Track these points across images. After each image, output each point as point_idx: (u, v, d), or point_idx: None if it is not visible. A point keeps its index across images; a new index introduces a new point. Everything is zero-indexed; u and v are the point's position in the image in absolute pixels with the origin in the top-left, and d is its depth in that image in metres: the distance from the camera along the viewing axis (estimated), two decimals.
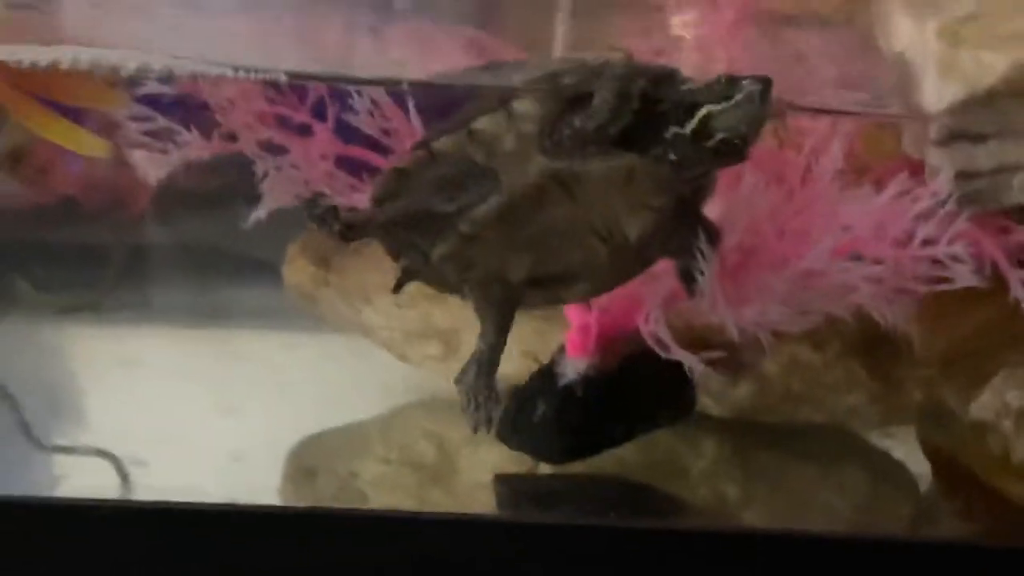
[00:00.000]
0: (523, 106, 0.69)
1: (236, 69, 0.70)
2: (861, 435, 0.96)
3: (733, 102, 0.67)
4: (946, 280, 0.75)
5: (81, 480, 0.86)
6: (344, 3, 0.88)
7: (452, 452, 0.93)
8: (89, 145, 0.77)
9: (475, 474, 0.91)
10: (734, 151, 0.68)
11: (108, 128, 0.81)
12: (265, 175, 0.83)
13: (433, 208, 0.72)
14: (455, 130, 0.71)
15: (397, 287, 0.77)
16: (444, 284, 0.76)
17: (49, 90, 0.76)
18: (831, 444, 0.95)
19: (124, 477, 0.87)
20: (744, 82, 0.67)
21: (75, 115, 0.80)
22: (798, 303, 0.77)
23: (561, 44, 0.88)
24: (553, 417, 0.84)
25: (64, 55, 0.70)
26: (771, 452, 0.94)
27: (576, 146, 0.68)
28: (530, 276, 0.73)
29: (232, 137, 0.81)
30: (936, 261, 0.74)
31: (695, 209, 0.74)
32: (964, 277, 0.75)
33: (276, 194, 0.83)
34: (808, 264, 0.76)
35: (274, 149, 0.83)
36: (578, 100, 0.69)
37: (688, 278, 0.75)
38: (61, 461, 0.91)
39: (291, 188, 0.83)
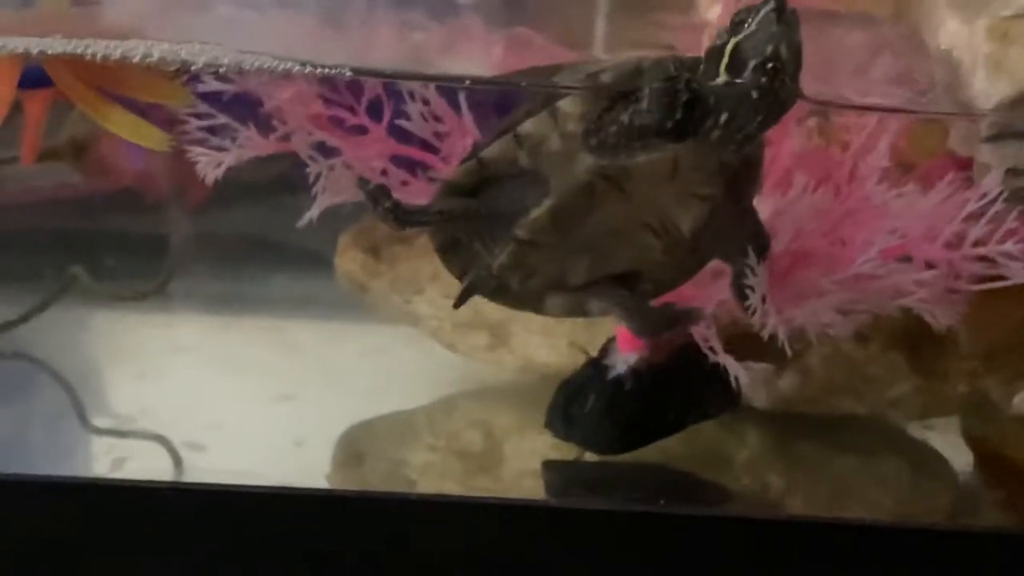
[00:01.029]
0: (567, 106, 0.70)
1: (304, 64, 0.72)
2: (902, 426, 0.97)
3: (752, 26, 0.66)
4: (1000, 278, 0.76)
5: (138, 464, 0.88)
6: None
7: (499, 440, 0.95)
8: (152, 138, 0.79)
9: (522, 462, 0.92)
10: (773, 76, 0.66)
11: (169, 123, 0.83)
12: (319, 176, 0.84)
13: (488, 208, 0.73)
14: (502, 136, 0.72)
15: (459, 302, 0.78)
16: (507, 298, 0.77)
17: (114, 84, 0.78)
18: (872, 435, 0.96)
19: (178, 462, 0.89)
20: (760, 7, 0.67)
21: (137, 109, 0.81)
22: (848, 306, 0.78)
23: (601, 41, 0.90)
24: (603, 409, 0.85)
25: (136, 49, 0.72)
26: (813, 443, 0.95)
27: (621, 142, 0.69)
28: (589, 278, 0.74)
29: (287, 137, 0.82)
30: (987, 259, 0.75)
31: (746, 205, 0.74)
32: (1019, 274, 0.76)
33: (330, 193, 0.85)
34: (858, 269, 0.77)
35: (328, 149, 0.84)
36: (622, 96, 0.69)
37: (741, 294, 0.75)
38: (118, 445, 0.93)
39: (345, 187, 0.84)
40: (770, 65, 0.66)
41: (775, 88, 0.67)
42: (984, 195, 0.76)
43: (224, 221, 1.09)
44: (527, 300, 0.77)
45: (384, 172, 0.86)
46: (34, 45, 0.72)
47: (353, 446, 0.95)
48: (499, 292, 0.77)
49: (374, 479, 0.93)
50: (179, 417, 0.93)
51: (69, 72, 0.76)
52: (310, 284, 1.12)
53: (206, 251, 1.12)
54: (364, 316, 1.07)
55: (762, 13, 0.66)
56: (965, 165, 0.82)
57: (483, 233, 0.74)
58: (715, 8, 0.88)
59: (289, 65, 0.72)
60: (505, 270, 0.74)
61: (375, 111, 0.85)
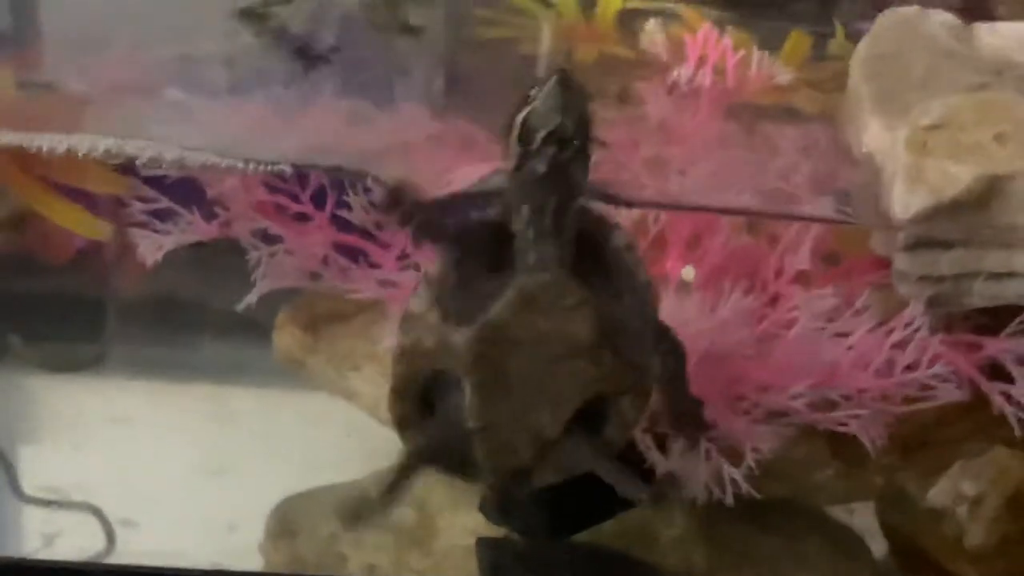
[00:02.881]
0: (414, 304, 0.71)
1: (246, 162, 0.73)
2: (824, 510, 0.99)
3: (538, 98, 0.66)
4: (928, 399, 0.80)
5: (70, 540, 0.88)
6: (342, 87, 0.91)
7: (432, 515, 0.96)
8: (90, 227, 0.80)
9: (454, 537, 0.93)
10: (560, 147, 0.66)
11: (112, 206, 0.84)
12: (259, 263, 0.86)
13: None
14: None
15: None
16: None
17: (55, 172, 0.79)
18: (796, 517, 0.98)
19: (111, 539, 0.89)
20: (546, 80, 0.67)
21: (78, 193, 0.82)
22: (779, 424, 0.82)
23: None
24: (538, 497, 0.86)
25: (81, 143, 0.73)
26: (739, 524, 0.96)
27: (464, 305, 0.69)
28: (560, 423, 0.73)
29: (229, 224, 0.84)
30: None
31: (637, 303, 0.72)
32: (949, 393, 0.80)
33: (271, 279, 0.86)
34: (789, 401, 0.81)
35: (270, 234, 0.86)
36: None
37: (680, 427, 0.77)
38: (50, 519, 0.93)
39: (286, 273, 0.85)
40: (556, 137, 0.66)
41: (563, 160, 0.67)
42: (909, 323, 0.80)
43: (164, 288, 1.09)
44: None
45: (325, 260, 0.88)
46: None
47: (287, 519, 0.95)
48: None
49: (307, 553, 0.93)
50: (113, 491, 0.94)
51: (10, 161, 0.76)
52: (248, 351, 1.13)
53: (145, 318, 1.12)
54: (301, 384, 1.08)
55: (548, 86, 0.66)
56: (884, 265, 0.85)
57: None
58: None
59: (231, 162, 0.74)
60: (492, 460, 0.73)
61: (319, 199, 0.87)
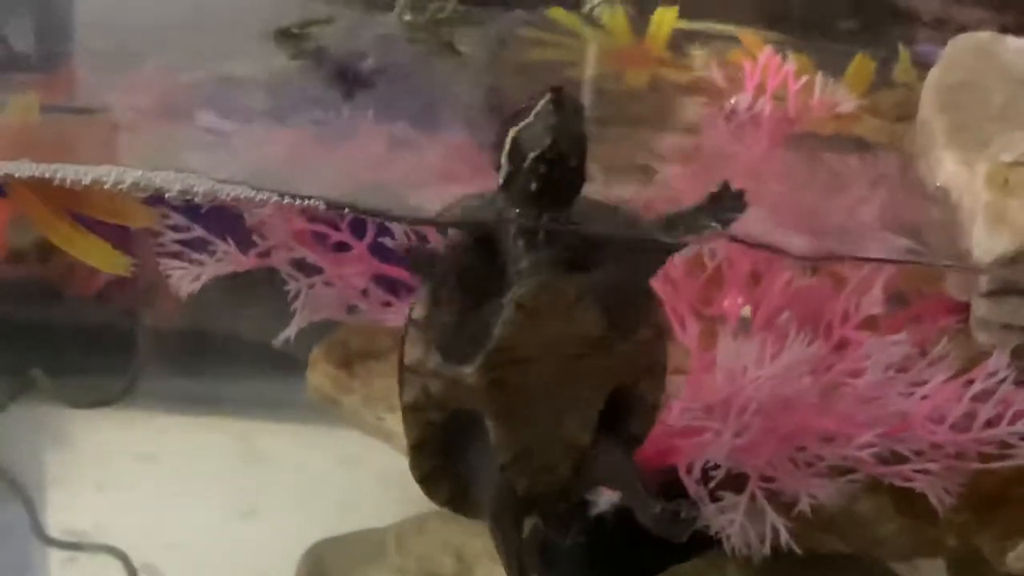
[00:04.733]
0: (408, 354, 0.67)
1: (282, 195, 0.69)
2: (887, 566, 0.94)
3: (530, 117, 0.64)
4: (1006, 457, 0.74)
5: None
6: (384, 112, 0.87)
7: (470, 564, 0.92)
8: (111, 262, 0.76)
9: None
10: (550, 167, 0.64)
11: (141, 236, 0.80)
12: (296, 295, 0.82)
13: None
14: None
15: None
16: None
17: (79, 204, 0.75)
18: (856, 574, 0.94)
19: None
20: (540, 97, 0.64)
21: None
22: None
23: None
24: (583, 548, 0.82)
25: (107, 175, 0.69)
26: None
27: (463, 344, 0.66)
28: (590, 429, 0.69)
29: (267, 252, 0.80)
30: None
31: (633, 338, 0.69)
32: None
33: (309, 311, 0.82)
34: (855, 451, 0.76)
35: (308, 265, 0.82)
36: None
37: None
38: (71, 563, 0.90)
39: (324, 305, 0.81)
40: (548, 156, 0.63)
41: (553, 179, 0.64)
42: (991, 374, 0.74)
43: (193, 320, 1.06)
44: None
45: (365, 292, 0.83)
46: (1, 167, 0.69)
47: (319, 565, 0.92)
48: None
49: None
50: (136, 534, 0.90)
51: (30, 192, 0.73)
52: (281, 387, 1.09)
53: (173, 351, 1.09)
54: (336, 423, 1.04)
55: (540, 105, 0.63)
56: (959, 310, 0.80)
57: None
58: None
59: (265, 196, 0.69)
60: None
61: (358, 228, 0.83)
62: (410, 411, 0.69)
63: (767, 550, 0.80)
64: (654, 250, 0.69)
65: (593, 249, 0.67)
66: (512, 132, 0.64)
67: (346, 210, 0.73)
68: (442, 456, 0.70)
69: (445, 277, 0.66)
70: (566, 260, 0.66)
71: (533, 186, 0.64)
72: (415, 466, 0.71)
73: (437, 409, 0.68)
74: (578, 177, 0.65)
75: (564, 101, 0.63)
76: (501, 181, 0.66)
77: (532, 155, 0.64)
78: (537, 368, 0.66)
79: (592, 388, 0.68)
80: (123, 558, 0.90)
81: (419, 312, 0.67)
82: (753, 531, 0.81)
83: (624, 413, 0.70)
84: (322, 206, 0.70)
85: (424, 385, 0.67)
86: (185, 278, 0.81)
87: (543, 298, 0.65)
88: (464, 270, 0.66)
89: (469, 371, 0.66)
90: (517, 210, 0.65)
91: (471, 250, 0.66)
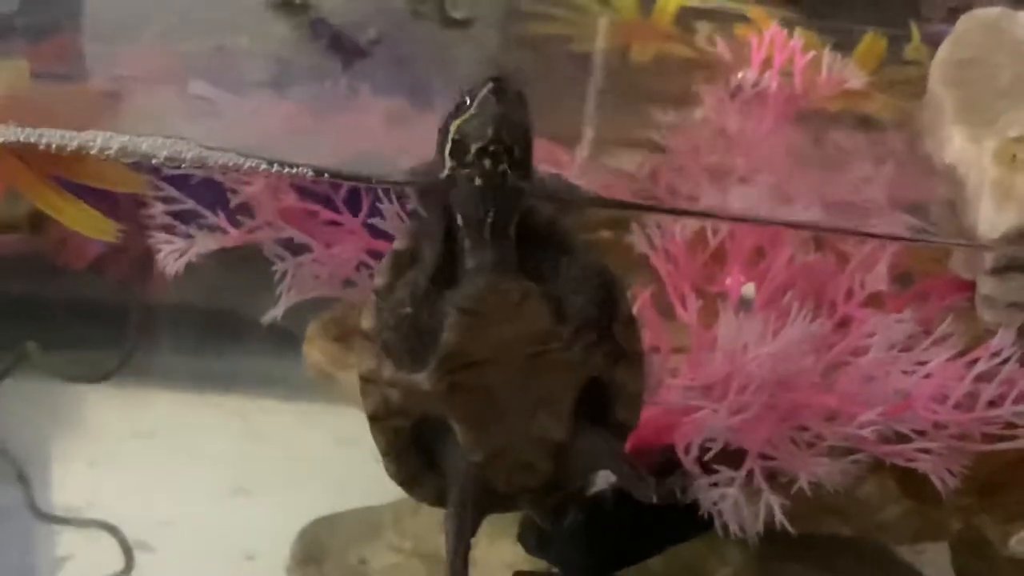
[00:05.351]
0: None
1: (271, 163, 0.68)
2: (890, 549, 0.93)
3: (471, 109, 0.61)
4: (1012, 438, 0.72)
5: (84, 565, 0.84)
6: (382, 84, 0.86)
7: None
8: (101, 229, 0.75)
9: (490, 571, 0.88)
10: (495, 161, 0.61)
11: (133, 205, 0.79)
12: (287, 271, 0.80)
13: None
14: None
15: None
16: None
17: (65, 170, 0.74)
18: (859, 557, 0.92)
19: (129, 565, 0.85)
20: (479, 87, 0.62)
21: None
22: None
23: (590, 138, 0.86)
24: (581, 528, 0.81)
25: (93, 140, 0.68)
26: (797, 563, 0.91)
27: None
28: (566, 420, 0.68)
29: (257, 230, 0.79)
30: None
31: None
32: None
33: (297, 291, 0.81)
34: (857, 430, 0.75)
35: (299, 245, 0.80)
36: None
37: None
38: (64, 538, 0.89)
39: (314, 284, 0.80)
40: (491, 148, 0.61)
41: (498, 173, 0.62)
42: (995, 353, 0.73)
43: (189, 294, 1.04)
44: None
45: (359, 267, 0.82)
46: None
47: (314, 543, 0.91)
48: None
49: None
50: (131, 510, 0.89)
51: (15, 158, 0.72)
52: (279, 364, 1.08)
53: (169, 327, 1.08)
54: (333, 401, 1.03)
55: (481, 94, 0.61)
56: (964, 288, 0.79)
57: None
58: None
59: (255, 163, 0.68)
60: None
61: (353, 203, 0.81)
62: (373, 421, 0.68)
63: (760, 529, 0.78)
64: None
65: (543, 244, 0.65)
66: (452, 125, 0.62)
67: (325, 176, 0.70)
68: (418, 457, 0.69)
69: (409, 247, 0.65)
70: (512, 259, 0.64)
71: (477, 181, 0.62)
72: (392, 473, 0.70)
73: (400, 416, 0.67)
74: (524, 170, 0.63)
75: (505, 89, 0.61)
76: (444, 177, 0.63)
77: (474, 148, 0.61)
78: (495, 369, 0.65)
79: (559, 384, 0.66)
80: (117, 534, 0.89)
81: (380, 280, 0.65)
82: (749, 510, 0.79)
83: (606, 403, 0.69)
84: (309, 174, 0.69)
85: (383, 395, 0.66)
86: (172, 255, 0.79)
87: (487, 301, 0.63)
88: (422, 247, 0.65)
89: (422, 379, 0.64)
90: (462, 208, 0.63)
91: (430, 228, 0.65)
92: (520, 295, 0.64)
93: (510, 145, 0.61)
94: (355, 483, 0.97)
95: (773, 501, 0.77)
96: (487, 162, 0.61)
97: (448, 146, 0.62)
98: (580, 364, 0.66)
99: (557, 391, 0.66)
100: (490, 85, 0.61)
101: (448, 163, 0.62)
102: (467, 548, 0.68)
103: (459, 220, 0.64)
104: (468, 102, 0.61)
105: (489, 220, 0.63)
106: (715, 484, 0.78)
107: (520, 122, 0.62)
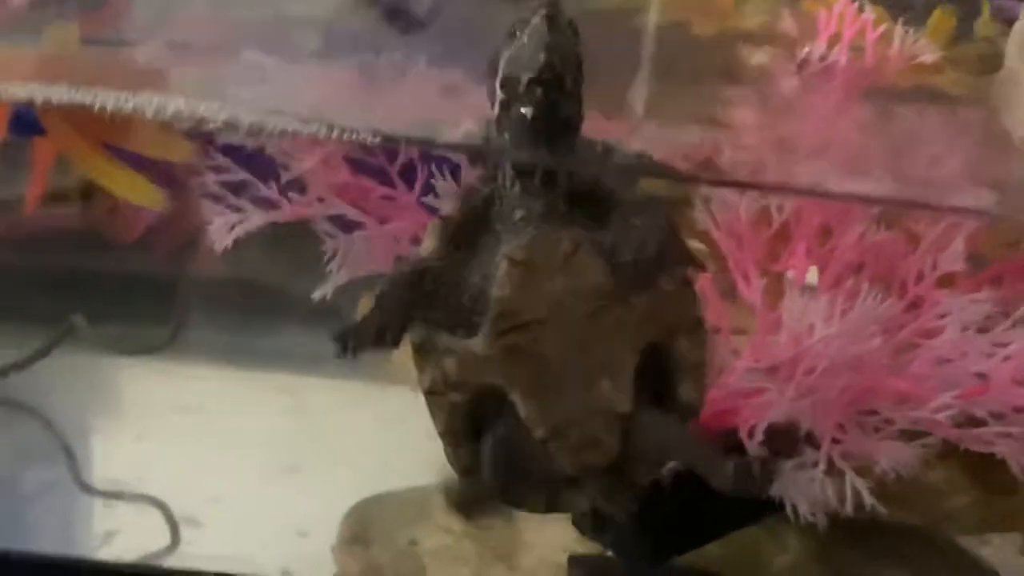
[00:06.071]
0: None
1: (331, 128, 0.66)
2: (954, 539, 0.90)
3: (522, 38, 0.60)
4: None
5: (131, 539, 0.83)
6: (437, 56, 0.84)
7: (520, 527, 0.89)
8: (148, 197, 0.74)
9: (543, 552, 0.87)
10: (548, 89, 0.60)
11: (183, 175, 0.78)
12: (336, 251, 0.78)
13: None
14: None
15: None
16: None
17: (114, 136, 0.72)
18: (921, 545, 0.90)
19: (175, 540, 0.84)
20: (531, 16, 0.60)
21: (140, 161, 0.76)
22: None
23: (642, 111, 0.84)
24: (638, 513, 0.79)
25: (148, 103, 0.66)
26: (859, 550, 0.88)
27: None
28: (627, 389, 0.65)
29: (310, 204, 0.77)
30: None
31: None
32: None
33: (348, 269, 0.79)
34: (931, 414, 0.72)
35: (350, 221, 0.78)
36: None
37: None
38: (111, 513, 0.88)
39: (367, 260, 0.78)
40: (544, 77, 0.59)
41: (550, 103, 0.60)
42: None
43: (239, 270, 1.03)
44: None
45: (415, 241, 0.80)
46: (37, 92, 0.66)
47: (362, 523, 0.90)
48: None
49: (383, 562, 0.87)
50: (177, 487, 0.88)
51: (64, 122, 0.70)
52: (328, 340, 1.06)
53: (218, 302, 1.06)
54: (383, 379, 1.01)
55: (532, 23, 0.60)
56: None
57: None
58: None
59: (315, 128, 0.66)
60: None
61: (408, 176, 0.80)
62: (430, 395, 0.66)
63: (848, 511, 0.76)
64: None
65: (598, 194, 0.63)
66: (503, 56, 0.61)
67: (377, 139, 0.68)
68: (478, 445, 0.66)
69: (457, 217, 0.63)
70: (562, 209, 0.62)
71: (529, 113, 0.60)
72: (453, 459, 0.67)
73: (458, 390, 0.64)
74: (576, 106, 0.61)
75: (558, 18, 0.60)
76: (495, 112, 0.62)
77: (526, 76, 0.60)
78: (550, 331, 0.62)
79: (619, 348, 0.64)
80: (164, 509, 0.88)
81: (427, 244, 0.64)
82: (818, 495, 0.77)
83: (668, 378, 0.66)
84: (370, 139, 0.67)
85: (439, 365, 0.64)
86: (223, 228, 0.77)
87: (538, 250, 0.61)
88: (466, 218, 0.63)
89: (477, 342, 0.62)
90: (514, 148, 0.61)
91: (474, 196, 0.63)
92: (572, 245, 0.61)
93: (562, 73, 0.60)
94: (404, 463, 0.95)
95: (860, 484, 0.75)
96: (539, 90, 0.60)
97: (499, 77, 0.61)
98: (639, 327, 0.63)
99: (617, 357, 0.64)
100: (543, 12, 0.59)
101: (499, 96, 0.61)
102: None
103: (507, 172, 0.62)
104: (518, 33, 0.60)
105: (541, 161, 0.61)
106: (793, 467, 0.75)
107: (573, 51, 0.60)
